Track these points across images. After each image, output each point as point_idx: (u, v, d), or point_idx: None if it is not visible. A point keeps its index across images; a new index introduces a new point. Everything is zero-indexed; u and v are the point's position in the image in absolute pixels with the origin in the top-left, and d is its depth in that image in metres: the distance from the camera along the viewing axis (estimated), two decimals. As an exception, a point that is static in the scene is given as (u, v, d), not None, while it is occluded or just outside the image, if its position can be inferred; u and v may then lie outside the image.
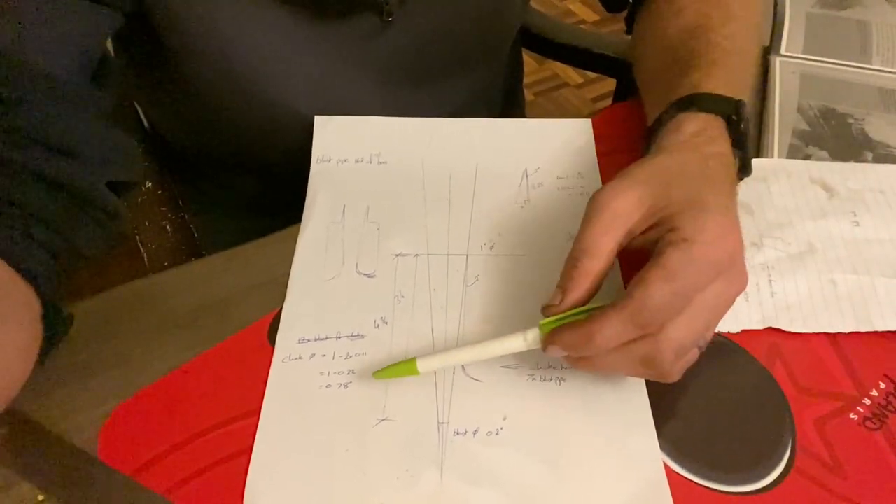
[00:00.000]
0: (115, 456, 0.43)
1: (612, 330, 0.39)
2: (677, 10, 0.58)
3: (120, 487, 0.41)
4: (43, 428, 0.44)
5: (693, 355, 0.42)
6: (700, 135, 0.46)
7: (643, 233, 0.42)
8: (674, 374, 0.41)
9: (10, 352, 0.38)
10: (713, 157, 0.45)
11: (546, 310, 0.43)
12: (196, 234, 0.76)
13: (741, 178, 0.48)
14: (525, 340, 0.43)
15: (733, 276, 0.40)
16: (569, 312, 0.42)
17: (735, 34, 0.54)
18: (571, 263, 0.42)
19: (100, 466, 0.42)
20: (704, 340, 0.42)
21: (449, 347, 0.46)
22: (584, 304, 0.42)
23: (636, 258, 0.42)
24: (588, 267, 0.41)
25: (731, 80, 0.50)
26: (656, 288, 0.38)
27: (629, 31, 0.68)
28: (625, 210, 0.42)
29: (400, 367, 0.44)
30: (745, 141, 0.47)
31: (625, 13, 0.68)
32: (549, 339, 0.42)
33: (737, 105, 0.48)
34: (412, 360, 0.44)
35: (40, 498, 0.41)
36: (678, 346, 0.39)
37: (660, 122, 0.49)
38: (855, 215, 0.53)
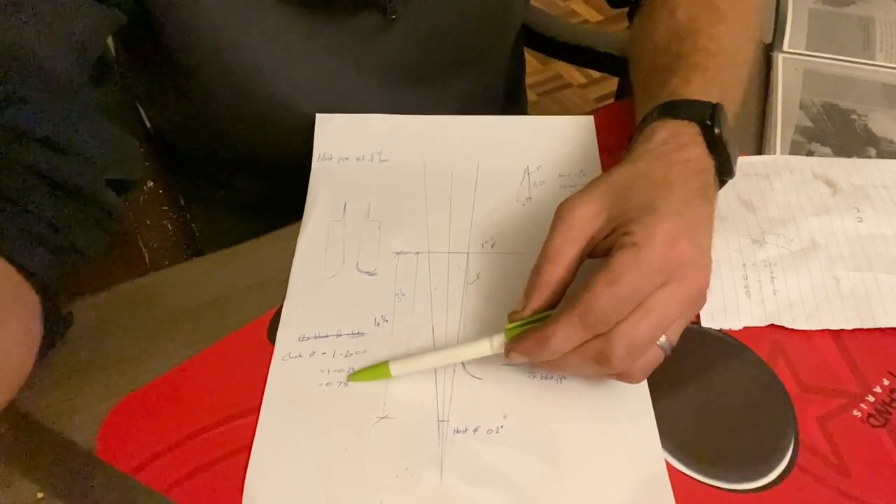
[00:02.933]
0: (114, 454, 0.43)
1: (563, 333, 0.40)
2: (670, 9, 0.58)
3: (119, 485, 0.41)
4: (42, 426, 0.44)
5: (655, 355, 0.42)
6: (668, 142, 0.47)
7: (604, 239, 0.43)
8: (635, 373, 0.42)
9: (9, 350, 0.38)
10: (679, 164, 0.45)
11: (512, 315, 0.44)
12: (197, 233, 0.76)
13: (724, 182, 0.48)
14: (491, 346, 0.44)
15: (685, 279, 0.40)
16: (534, 317, 0.43)
17: (723, 35, 0.54)
18: (535, 271, 0.44)
19: (99, 464, 0.42)
20: (669, 342, 0.42)
21: (422, 351, 0.46)
22: (546, 310, 0.43)
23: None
24: (549, 274, 0.43)
25: (713, 84, 0.50)
26: (600, 290, 0.39)
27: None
28: (585, 219, 0.43)
29: (374, 370, 0.45)
30: (720, 145, 0.47)
31: (627, 9, 0.68)
32: (509, 346, 0.43)
33: (713, 109, 0.48)
34: (385, 363, 0.45)
35: (39, 496, 0.41)
36: (628, 343, 0.40)
37: (638, 131, 0.50)
38: (858, 211, 0.53)
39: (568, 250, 0.43)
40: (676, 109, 0.49)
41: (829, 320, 0.48)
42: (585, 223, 0.43)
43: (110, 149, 0.47)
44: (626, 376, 0.42)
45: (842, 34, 0.71)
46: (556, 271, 0.43)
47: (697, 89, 0.50)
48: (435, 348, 0.47)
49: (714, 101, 0.48)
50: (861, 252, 0.50)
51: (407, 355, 0.46)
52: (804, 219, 0.53)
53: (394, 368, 0.45)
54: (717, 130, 0.46)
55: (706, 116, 0.47)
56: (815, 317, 0.48)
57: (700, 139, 0.47)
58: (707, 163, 0.46)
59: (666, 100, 0.50)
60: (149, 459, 0.42)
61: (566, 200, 0.44)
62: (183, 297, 0.51)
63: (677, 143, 0.46)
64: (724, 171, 0.47)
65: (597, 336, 0.40)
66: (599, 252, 0.44)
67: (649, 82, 0.55)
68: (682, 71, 0.52)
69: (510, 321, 0.44)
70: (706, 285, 0.42)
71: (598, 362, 0.40)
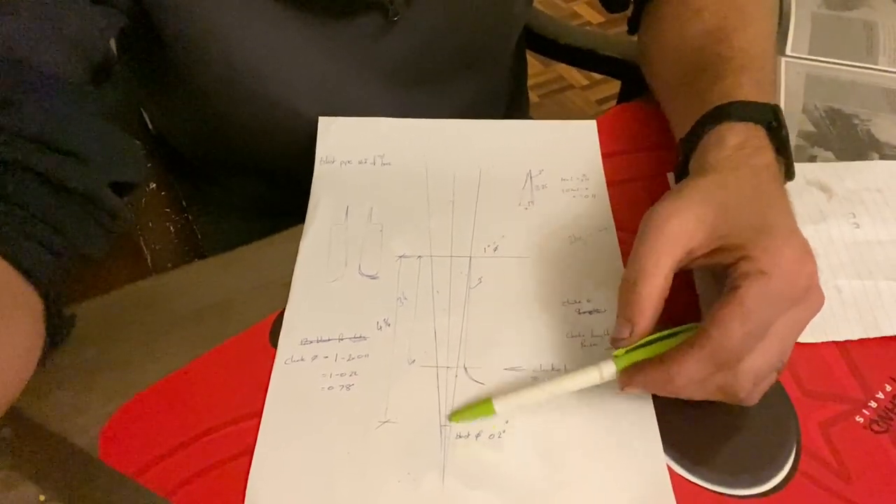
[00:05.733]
0: (116, 457, 0.43)
1: (691, 371, 0.39)
2: (695, 10, 0.57)
3: (121, 488, 0.41)
4: (45, 429, 0.44)
5: (772, 378, 0.41)
6: (744, 147, 0.45)
7: (704, 256, 0.42)
8: (753, 398, 0.41)
9: (12, 352, 0.38)
10: (763, 171, 0.44)
11: (616, 343, 0.42)
12: (199, 236, 0.76)
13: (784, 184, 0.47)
14: (601, 375, 0.42)
15: (807, 301, 0.40)
16: (641, 341, 0.42)
17: (755, 38, 0.53)
18: (630, 287, 0.41)
19: (101, 467, 0.42)
20: (782, 363, 0.41)
21: (523, 386, 0.44)
22: (651, 330, 0.41)
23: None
24: (650, 290, 0.40)
25: (761, 86, 0.49)
26: (735, 327, 0.37)
27: (632, 31, 0.67)
28: (684, 230, 0.41)
29: (476, 408, 0.44)
30: (788, 146, 0.46)
31: (627, 13, 0.68)
32: (626, 380, 0.42)
33: (774, 110, 0.47)
34: (488, 399, 0.43)
35: (42, 499, 0.41)
36: (755, 375, 0.39)
37: (696, 135, 0.48)
38: (854, 217, 0.53)
39: (665, 263, 0.40)
40: (738, 111, 0.47)
41: (835, 331, 0.47)
42: (683, 234, 0.41)
43: (112, 150, 0.47)
44: (743, 401, 0.41)
45: (845, 38, 0.71)
46: (656, 286, 0.40)
47: (752, 91, 0.48)
48: (538, 381, 0.45)
49: (772, 103, 0.47)
50: (860, 259, 0.50)
51: (508, 392, 0.44)
52: (801, 227, 0.52)
53: (497, 405, 0.43)
54: (784, 132, 0.46)
55: (770, 118, 0.46)
56: (821, 329, 0.47)
57: (768, 142, 0.46)
58: (777, 167, 0.45)
59: (721, 101, 0.48)
60: (151, 462, 0.42)
61: (656, 210, 0.42)
62: (185, 299, 0.51)
63: (752, 147, 0.45)
64: (788, 175, 0.47)
65: (721, 369, 0.39)
66: (695, 266, 0.42)
67: (689, 84, 0.53)
68: (731, 72, 0.50)
69: (614, 347, 0.42)
70: (823, 301, 0.41)
71: (724, 394, 0.40)
